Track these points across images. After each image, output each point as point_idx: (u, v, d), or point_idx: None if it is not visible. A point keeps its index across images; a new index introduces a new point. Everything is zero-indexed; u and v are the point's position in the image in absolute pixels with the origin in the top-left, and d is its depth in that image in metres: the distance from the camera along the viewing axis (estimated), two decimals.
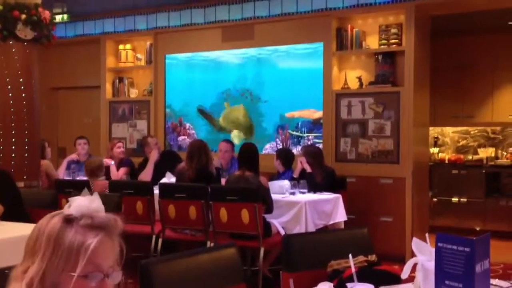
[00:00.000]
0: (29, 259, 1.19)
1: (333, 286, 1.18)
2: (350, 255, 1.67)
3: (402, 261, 4.80)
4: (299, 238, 2.38)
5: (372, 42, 6.12)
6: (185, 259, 1.96)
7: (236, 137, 6.77)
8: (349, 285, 1.53)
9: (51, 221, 1.21)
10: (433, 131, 7.71)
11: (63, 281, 1.17)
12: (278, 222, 4.64)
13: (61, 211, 1.23)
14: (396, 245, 5.60)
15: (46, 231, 1.19)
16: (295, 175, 5.37)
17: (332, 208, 5.00)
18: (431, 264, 1.70)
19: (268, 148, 6.49)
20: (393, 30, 5.95)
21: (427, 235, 1.92)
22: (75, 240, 1.19)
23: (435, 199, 7.20)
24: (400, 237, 5.66)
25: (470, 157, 7.55)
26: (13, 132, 5.07)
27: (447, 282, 1.46)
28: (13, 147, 5.06)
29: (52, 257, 1.17)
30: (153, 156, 5.95)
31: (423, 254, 1.86)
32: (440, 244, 1.48)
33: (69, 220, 1.20)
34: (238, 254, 2.13)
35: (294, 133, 6.48)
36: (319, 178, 5.27)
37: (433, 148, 7.73)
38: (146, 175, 5.84)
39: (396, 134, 5.84)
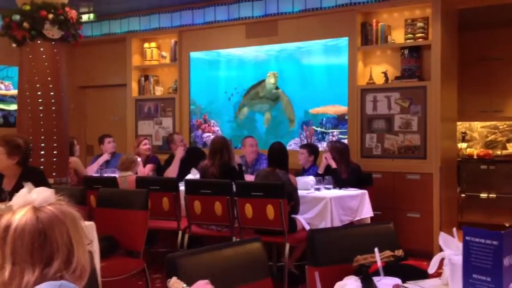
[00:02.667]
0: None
1: (360, 279, 1.18)
2: (376, 249, 1.66)
3: (429, 258, 4.71)
4: (324, 233, 2.37)
5: (398, 37, 6.05)
6: (210, 253, 1.97)
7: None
8: (375, 278, 1.52)
9: (44, 214, 1.24)
10: (461, 126, 7.59)
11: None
12: (303, 218, 4.63)
13: (29, 206, 1.25)
14: (424, 241, 5.53)
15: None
16: (320, 171, 5.36)
17: (358, 204, 4.97)
18: (458, 259, 1.67)
19: (292, 144, 6.47)
20: (419, 24, 5.87)
21: (454, 229, 1.90)
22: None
23: (463, 195, 7.09)
24: (428, 233, 5.59)
25: (499, 152, 7.41)
26: (42, 130, 5.15)
27: (474, 275, 1.44)
28: (43, 145, 5.14)
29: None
30: (179, 153, 6.00)
31: (451, 249, 1.84)
32: (467, 238, 1.46)
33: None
34: (264, 249, 2.14)
35: (319, 129, 6.45)
36: (345, 174, 5.24)
37: (461, 144, 7.61)
38: (172, 171, 5.90)
39: (423, 129, 5.77)
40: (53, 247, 1.22)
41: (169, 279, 1.36)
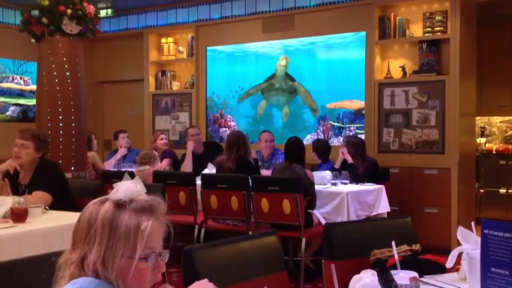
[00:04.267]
0: (83, 245, 1.22)
1: (376, 272, 1.17)
2: (393, 242, 1.65)
3: (447, 253, 4.68)
4: (341, 226, 2.36)
5: (416, 30, 5.99)
6: (227, 246, 1.98)
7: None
8: (392, 272, 1.50)
9: (102, 207, 1.24)
10: (480, 120, 7.50)
11: (123, 266, 1.21)
12: (319, 213, 4.62)
13: (107, 197, 1.26)
14: (441, 237, 5.49)
15: (100, 217, 1.22)
16: (337, 166, 5.34)
17: (375, 199, 4.94)
18: (477, 253, 1.66)
19: (309, 139, 6.45)
20: (438, 18, 5.81)
21: (472, 223, 1.88)
22: (131, 224, 1.22)
23: (482, 191, 7.01)
24: (445, 229, 5.54)
25: None
26: (60, 124, 5.20)
27: (493, 269, 1.42)
28: (61, 139, 5.19)
29: (109, 242, 1.21)
30: (189, 147, 6.01)
31: (469, 243, 1.83)
32: (486, 231, 1.45)
33: (120, 205, 1.23)
34: (280, 242, 2.14)
35: (336, 124, 6.43)
36: (361, 169, 5.21)
37: (479, 138, 7.52)
38: (186, 166, 5.92)
39: (441, 124, 5.71)
40: (78, 237, 1.23)
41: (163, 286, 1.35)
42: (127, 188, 1.25)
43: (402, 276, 1.44)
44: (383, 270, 1.13)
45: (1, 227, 2.84)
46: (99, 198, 1.28)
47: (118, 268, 1.20)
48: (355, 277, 1.66)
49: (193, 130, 6.30)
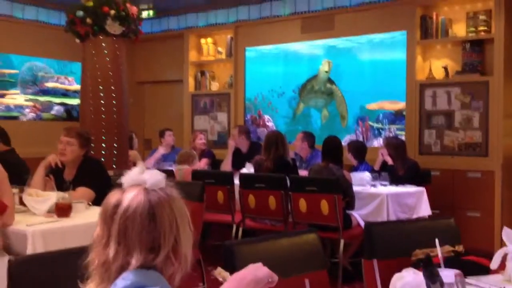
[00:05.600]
0: (164, 244, 1.20)
1: (422, 266, 1.15)
2: (436, 240, 1.62)
3: (491, 257, 4.57)
4: (382, 226, 2.34)
5: (459, 30, 5.87)
6: (267, 242, 1.99)
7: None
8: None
9: (155, 197, 1.22)
10: None
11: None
12: (358, 215, 4.58)
13: (144, 186, 1.24)
14: (484, 241, 5.35)
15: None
16: (376, 167, 5.27)
17: (416, 202, 4.85)
18: None
19: (348, 140, 6.39)
20: (482, 17, 5.68)
21: None
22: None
23: None
24: (489, 233, 5.40)
25: None
26: (103, 123, 5.31)
27: None
28: (103, 138, 5.30)
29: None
30: (229, 146, 6.05)
31: None
32: None
33: (171, 196, 1.25)
34: (320, 240, 2.13)
35: (375, 125, 6.35)
36: (401, 171, 5.13)
37: None
38: (225, 165, 5.96)
39: (484, 125, 5.58)
40: (161, 233, 1.20)
41: (214, 269, 1.35)
42: (157, 178, 1.25)
43: (446, 274, 1.42)
44: (429, 265, 1.11)
45: (46, 221, 2.93)
46: (132, 188, 1.24)
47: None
48: (396, 275, 1.64)
49: (234, 130, 6.34)
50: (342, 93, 6.55)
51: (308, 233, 2.11)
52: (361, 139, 6.30)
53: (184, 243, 1.22)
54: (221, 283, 1.29)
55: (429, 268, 1.10)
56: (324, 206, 4.33)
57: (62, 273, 1.33)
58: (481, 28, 5.67)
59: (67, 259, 1.30)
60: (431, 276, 1.10)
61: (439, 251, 1.59)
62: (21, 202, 3.22)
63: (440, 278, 1.13)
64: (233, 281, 1.22)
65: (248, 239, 1.94)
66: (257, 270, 1.27)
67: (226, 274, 1.33)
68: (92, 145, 5.24)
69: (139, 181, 1.24)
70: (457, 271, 1.24)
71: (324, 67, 6.67)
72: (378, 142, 6.15)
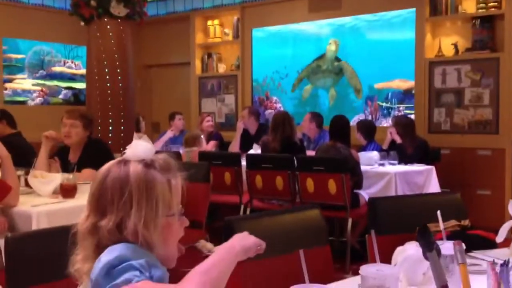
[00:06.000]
0: (117, 210, 1.19)
1: (417, 234, 1.12)
2: (438, 212, 1.58)
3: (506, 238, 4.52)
4: (386, 201, 2.30)
5: (469, 6, 5.75)
6: (269, 218, 1.96)
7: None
8: (438, 242, 1.45)
9: (127, 168, 1.21)
10: None
11: (162, 224, 1.21)
12: (366, 193, 4.54)
13: (125, 158, 1.23)
14: (495, 219, 5.26)
15: (133, 179, 1.20)
16: (385, 146, 5.22)
17: (425, 180, 4.80)
18: None
19: (357, 120, 6.33)
20: None
21: None
22: (164, 182, 1.22)
23: None
24: (499, 211, 5.34)
25: None
26: (109, 106, 5.31)
27: None
28: (110, 121, 5.30)
29: (149, 203, 1.19)
30: (238, 128, 6.03)
31: None
32: None
33: (148, 165, 1.22)
34: (322, 216, 2.10)
35: (384, 104, 6.28)
36: (410, 150, 5.08)
37: None
38: (233, 147, 5.94)
39: (495, 103, 5.49)
40: (107, 201, 1.19)
41: (198, 242, 1.33)
42: (147, 148, 1.24)
43: (447, 246, 1.38)
44: (425, 232, 1.08)
45: (51, 202, 2.93)
46: (117, 160, 1.24)
47: (158, 227, 1.19)
48: (398, 249, 1.61)
49: (243, 111, 6.30)
50: (352, 67, 6.47)
51: (311, 209, 2.07)
52: (370, 118, 6.23)
53: (134, 218, 1.17)
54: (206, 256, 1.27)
55: (425, 236, 1.07)
56: (332, 185, 4.30)
57: (58, 250, 1.31)
58: (491, 4, 5.56)
59: (64, 236, 1.28)
60: (427, 244, 1.07)
61: (441, 224, 1.56)
62: (27, 184, 3.23)
63: (437, 245, 1.10)
64: (222, 252, 1.19)
65: (249, 215, 1.92)
66: (244, 239, 1.26)
67: (210, 245, 1.31)
68: (99, 127, 5.30)
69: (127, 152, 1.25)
70: (456, 241, 1.21)
71: (331, 46, 6.60)
72: (387, 122, 6.09)
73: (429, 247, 1.05)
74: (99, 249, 1.17)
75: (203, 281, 1.08)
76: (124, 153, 1.24)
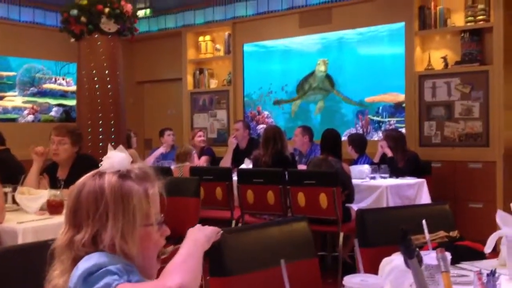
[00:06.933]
0: (93, 223, 1.18)
1: (400, 243, 1.11)
2: (423, 222, 1.57)
3: (493, 250, 4.50)
4: (374, 213, 2.29)
5: (458, 20, 5.80)
6: (255, 230, 1.94)
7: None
8: (424, 252, 1.43)
9: (102, 180, 1.20)
10: None
11: (140, 234, 1.20)
12: (358, 207, 4.52)
13: (101, 170, 1.23)
14: (487, 232, 5.21)
15: (108, 191, 1.19)
16: (376, 160, 5.22)
17: (416, 193, 4.80)
18: None
19: (348, 134, 6.34)
20: (480, 6, 5.61)
21: (511, 205, 1.78)
22: (141, 192, 1.20)
23: None
24: (491, 224, 5.25)
25: None
26: (100, 122, 5.28)
27: None
28: (101, 137, 5.27)
29: (125, 214, 1.18)
30: (230, 143, 6.02)
31: (508, 227, 1.73)
32: None
33: (124, 176, 1.21)
34: (310, 228, 2.08)
35: (375, 118, 6.30)
36: (401, 163, 5.08)
37: None
38: (225, 162, 5.92)
39: (485, 115, 5.51)
40: (83, 213, 1.19)
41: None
42: (122, 159, 1.23)
43: (433, 256, 1.37)
44: (405, 238, 1.06)
45: (37, 219, 2.90)
46: (92, 173, 1.24)
47: (136, 238, 1.18)
48: (385, 260, 1.60)
49: (236, 124, 6.29)
50: (341, 93, 6.51)
51: (298, 222, 2.06)
52: (361, 132, 6.24)
53: (111, 230, 1.17)
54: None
55: (405, 243, 1.05)
56: (323, 199, 4.28)
57: (40, 264, 1.29)
58: (480, 17, 5.61)
59: (42, 251, 1.27)
60: (408, 251, 1.06)
61: (426, 234, 1.54)
62: (14, 201, 3.20)
63: (418, 253, 1.09)
64: (190, 244, 1.23)
65: (234, 227, 1.89)
66: (202, 230, 1.32)
67: (169, 248, 1.31)
68: (89, 144, 5.27)
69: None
70: (439, 249, 1.19)
71: (320, 66, 6.63)
72: (378, 135, 6.10)
73: (410, 254, 1.04)
74: (75, 263, 1.16)
75: (185, 270, 1.12)
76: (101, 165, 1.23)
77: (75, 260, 1.16)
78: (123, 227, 1.17)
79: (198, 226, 1.32)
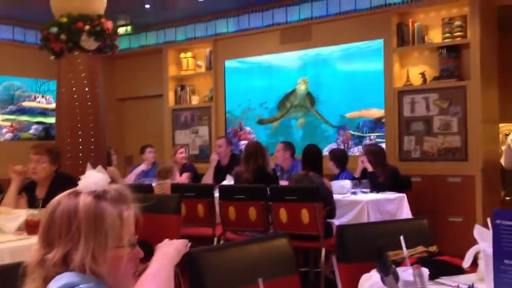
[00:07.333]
0: (65, 243, 1.17)
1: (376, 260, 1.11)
2: (401, 237, 1.58)
3: (474, 265, 4.52)
4: (354, 228, 2.30)
5: (435, 36, 5.91)
6: (235, 248, 1.94)
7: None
8: (402, 268, 1.44)
9: (77, 200, 1.20)
10: (504, 128, 7.31)
11: (111, 257, 1.18)
12: (339, 222, 4.53)
13: (77, 190, 1.22)
14: (467, 246, 5.26)
15: (81, 211, 1.18)
16: (357, 174, 5.25)
17: (396, 208, 4.82)
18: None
19: (329, 149, 6.37)
20: (457, 23, 5.72)
21: (488, 220, 1.79)
22: (115, 214, 1.20)
23: (507, 198, 6.81)
24: (471, 238, 5.34)
25: None
26: (80, 140, 5.23)
27: (506, 261, 1.35)
28: (80, 154, 5.22)
29: (97, 235, 1.17)
30: (212, 160, 6.01)
31: (486, 241, 1.75)
32: (497, 221, 1.37)
33: (99, 197, 1.20)
34: (290, 245, 2.08)
35: (356, 133, 6.35)
36: (382, 178, 5.11)
37: (504, 146, 7.33)
38: (207, 178, 5.90)
39: (463, 130, 5.59)
40: (55, 232, 1.18)
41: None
42: (99, 179, 1.22)
43: (411, 272, 1.38)
44: (381, 255, 1.07)
45: (15, 239, 2.85)
46: (68, 191, 1.24)
47: (107, 260, 1.17)
48: (364, 276, 1.60)
49: (219, 140, 6.27)
50: (320, 113, 6.57)
51: (279, 238, 2.05)
52: (342, 147, 6.28)
53: (82, 250, 1.16)
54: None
55: (381, 260, 1.06)
56: (305, 215, 4.29)
57: (14, 286, 1.27)
58: (457, 33, 5.72)
59: (19, 272, 1.25)
60: (384, 268, 1.06)
61: (404, 249, 1.56)
62: None
63: (394, 269, 1.10)
64: (161, 257, 1.26)
65: (215, 246, 1.89)
66: (172, 244, 1.34)
67: (141, 267, 1.31)
68: (69, 162, 5.21)
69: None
70: (415, 265, 1.20)
71: (300, 85, 6.68)
72: (359, 150, 6.14)
73: (386, 271, 1.05)
74: (45, 282, 1.15)
75: (157, 282, 1.15)
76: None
77: (46, 280, 1.15)
78: (94, 248, 1.16)
79: (166, 240, 1.35)
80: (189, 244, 1.37)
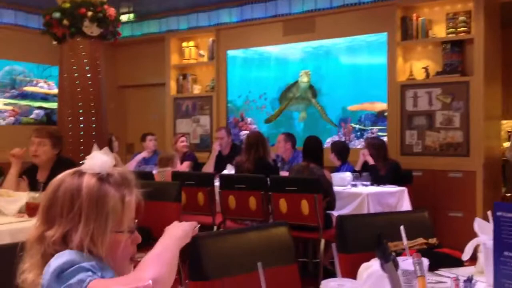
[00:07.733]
0: (66, 222, 1.18)
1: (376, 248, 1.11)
2: (401, 227, 1.58)
3: (473, 258, 4.52)
4: (354, 219, 2.30)
5: (439, 31, 5.88)
6: (234, 235, 1.94)
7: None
8: (401, 258, 1.44)
9: (81, 180, 1.19)
10: (507, 125, 7.31)
11: (111, 240, 1.19)
12: (339, 214, 4.53)
13: (81, 169, 1.22)
14: (466, 241, 5.29)
15: (84, 192, 1.18)
16: (357, 167, 5.25)
17: (397, 201, 4.82)
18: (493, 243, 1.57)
19: (330, 141, 6.36)
20: (461, 18, 5.70)
21: (489, 213, 1.79)
22: (117, 198, 1.20)
23: (508, 195, 6.81)
24: (471, 233, 5.33)
25: None
26: (81, 125, 5.23)
27: (506, 253, 1.34)
28: (81, 140, 5.22)
29: (98, 218, 1.18)
30: (213, 148, 6.02)
31: (486, 234, 1.75)
32: (498, 213, 1.37)
33: (103, 179, 1.20)
34: (290, 234, 2.08)
35: (357, 126, 6.34)
36: (383, 171, 5.11)
37: (506, 143, 7.32)
38: (207, 167, 5.91)
39: (465, 125, 5.58)
40: (57, 211, 1.18)
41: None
42: (104, 161, 1.22)
43: (410, 262, 1.38)
44: (381, 243, 1.07)
45: (15, 221, 2.86)
46: (73, 170, 1.24)
47: (106, 242, 1.17)
48: (364, 265, 1.60)
49: (217, 132, 6.28)
50: (321, 105, 6.55)
51: (278, 227, 2.06)
52: (343, 140, 6.28)
53: (81, 232, 1.16)
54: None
55: (380, 247, 1.06)
56: (305, 206, 4.29)
57: (13, 266, 1.27)
58: (461, 28, 5.69)
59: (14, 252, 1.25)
60: (384, 256, 1.06)
61: (404, 239, 1.55)
62: None
63: (394, 257, 1.09)
64: (167, 238, 1.23)
65: (215, 232, 1.89)
66: (180, 226, 1.30)
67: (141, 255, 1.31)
68: (70, 147, 5.21)
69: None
70: (415, 253, 1.20)
71: (303, 78, 6.66)
72: (360, 143, 6.13)
73: (386, 258, 1.04)
74: (44, 258, 1.15)
75: (160, 263, 1.12)
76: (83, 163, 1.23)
77: (44, 256, 1.16)
78: (93, 230, 1.16)
79: (175, 222, 1.33)
80: (198, 226, 1.36)
